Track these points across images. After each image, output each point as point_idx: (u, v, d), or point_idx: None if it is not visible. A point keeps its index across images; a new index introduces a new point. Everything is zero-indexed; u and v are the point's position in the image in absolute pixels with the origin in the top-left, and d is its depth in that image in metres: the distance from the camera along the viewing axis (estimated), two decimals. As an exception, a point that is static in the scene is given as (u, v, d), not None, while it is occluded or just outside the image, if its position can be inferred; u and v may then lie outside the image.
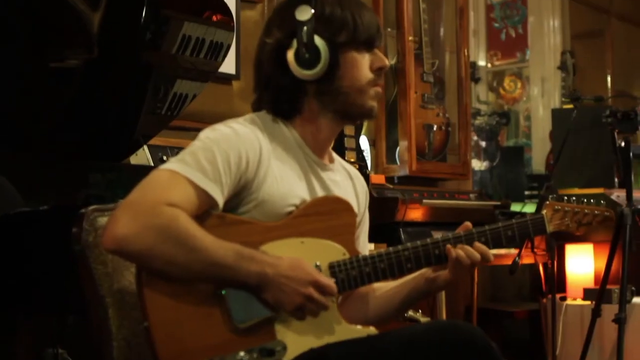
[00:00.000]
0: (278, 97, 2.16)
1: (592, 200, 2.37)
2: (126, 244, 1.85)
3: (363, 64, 2.14)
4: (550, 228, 2.30)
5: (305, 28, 2.08)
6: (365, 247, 2.33)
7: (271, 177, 2.07)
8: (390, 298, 2.30)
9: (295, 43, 2.09)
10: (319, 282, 1.98)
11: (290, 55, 2.10)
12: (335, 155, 2.31)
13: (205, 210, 1.96)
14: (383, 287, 2.33)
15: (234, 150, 2.00)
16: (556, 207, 2.32)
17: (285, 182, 2.09)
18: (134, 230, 1.85)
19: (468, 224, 2.22)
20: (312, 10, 2.09)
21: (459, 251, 2.15)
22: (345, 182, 2.30)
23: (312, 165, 2.18)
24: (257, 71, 2.20)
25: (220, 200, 1.97)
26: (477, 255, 2.16)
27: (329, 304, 2.01)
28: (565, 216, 2.32)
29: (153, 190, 1.91)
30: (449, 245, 2.16)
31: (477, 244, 2.18)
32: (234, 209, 2.04)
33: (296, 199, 2.10)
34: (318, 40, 2.09)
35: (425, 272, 2.24)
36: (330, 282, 2.01)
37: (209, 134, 2.03)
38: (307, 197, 2.13)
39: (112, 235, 1.85)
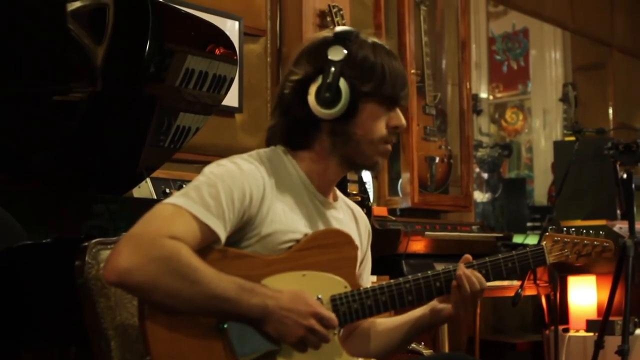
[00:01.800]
0: (292, 127, 2.17)
1: (591, 231, 2.38)
2: (128, 276, 1.85)
3: (380, 119, 2.15)
4: (550, 259, 2.31)
5: (333, 68, 2.10)
6: (368, 285, 2.33)
7: (274, 213, 2.07)
8: (393, 332, 2.30)
9: (320, 79, 2.11)
10: (320, 314, 1.98)
11: (312, 89, 2.11)
12: (339, 193, 2.32)
13: (207, 245, 1.97)
14: (385, 322, 2.33)
15: (237, 186, 2.00)
16: (556, 238, 2.33)
17: (288, 218, 2.10)
18: (136, 263, 1.85)
19: (468, 256, 2.23)
20: (345, 52, 2.11)
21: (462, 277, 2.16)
22: (348, 220, 2.31)
23: (315, 203, 2.18)
24: (279, 96, 2.21)
25: (223, 235, 1.97)
26: (475, 283, 2.16)
27: (330, 336, 2.01)
28: (564, 247, 2.33)
29: (156, 223, 1.91)
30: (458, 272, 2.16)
31: (472, 270, 2.18)
32: (236, 244, 2.04)
33: (298, 235, 2.10)
34: (342, 83, 2.10)
35: (431, 303, 2.25)
36: (331, 314, 2.01)
37: (214, 170, 2.04)
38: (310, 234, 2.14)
39: (114, 267, 1.86)
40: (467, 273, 2.16)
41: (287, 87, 2.17)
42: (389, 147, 2.19)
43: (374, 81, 2.12)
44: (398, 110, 2.19)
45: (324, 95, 2.10)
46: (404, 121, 2.19)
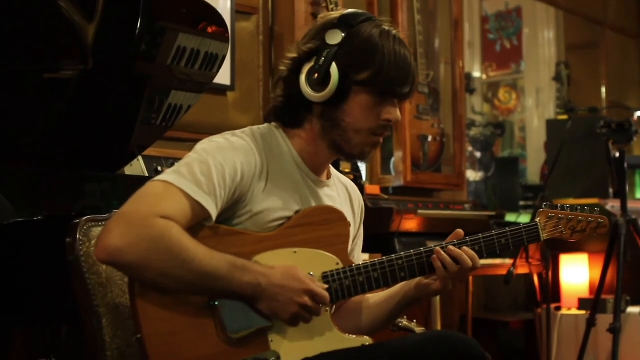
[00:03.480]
0: (285, 104, 2.16)
1: (586, 208, 2.36)
2: (119, 255, 1.85)
3: (371, 110, 2.11)
4: (544, 235, 2.28)
5: (327, 51, 2.08)
6: (359, 261, 2.33)
7: (266, 190, 2.07)
8: (382, 306, 2.30)
9: (313, 61, 2.10)
10: (313, 290, 1.98)
11: (305, 70, 2.11)
12: (332, 170, 2.30)
13: (198, 223, 1.96)
14: (375, 296, 2.33)
15: (229, 163, 2.00)
16: (550, 214, 2.30)
17: (280, 196, 2.09)
18: (126, 242, 1.85)
19: (460, 231, 2.21)
20: (343, 36, 2.08)
21: (445, 256, 2.13)
22: (343, 196, 2.30)
23: (307, 181, 2.18)
24: (279, 72, 2.20)
25: (214, 212, 1.96)
26: (468, 260, 2.14)
27: (322, 312, 2.01)
28: (559, 223, 2.31)
29: (147, 201, 1.91)
30: (434, 254, 2.14)
31: (465, 248, 2.16)
32: (227, 221, 2.04)
33: (290, 212, 2.10)
34: (333, 68, 2.08)
35: (417, 278, 2.22)
36: (323, 290, 2.01)
37: (206, 146, 2.03)
38: None
39: (104, 246, 1.85)
40: (459, 252, 2.15)
41: (283, 64, 2.17)
42: (379, 139, 2.16)
43: (371, 70, 2.09)
44: (395, 103, 2.14)
45: (312, 77, 2.09)
46: (397, 116, 2.15)
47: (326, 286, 2.04)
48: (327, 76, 2.07)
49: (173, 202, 1.91)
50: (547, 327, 5.13)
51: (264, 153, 2.09)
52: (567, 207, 2.33)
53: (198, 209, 1.94)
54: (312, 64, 2.10)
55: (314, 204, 2.17)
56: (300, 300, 1.96)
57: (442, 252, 2.14)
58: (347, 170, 4.02)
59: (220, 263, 1.91)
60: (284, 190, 2.11)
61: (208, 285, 1.91)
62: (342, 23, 2.11)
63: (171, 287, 1.90)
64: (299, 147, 2.16)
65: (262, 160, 2.07)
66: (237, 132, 2.12)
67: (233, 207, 2.03)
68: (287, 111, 2.16)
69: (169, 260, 1.87)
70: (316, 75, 2.08)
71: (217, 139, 2.07)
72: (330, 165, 2.28)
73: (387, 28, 2.14)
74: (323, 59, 2.08)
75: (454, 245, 2.17)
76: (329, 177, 2.27)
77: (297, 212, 2.11)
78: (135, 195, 1.92)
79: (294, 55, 2.14)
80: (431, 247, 2.16)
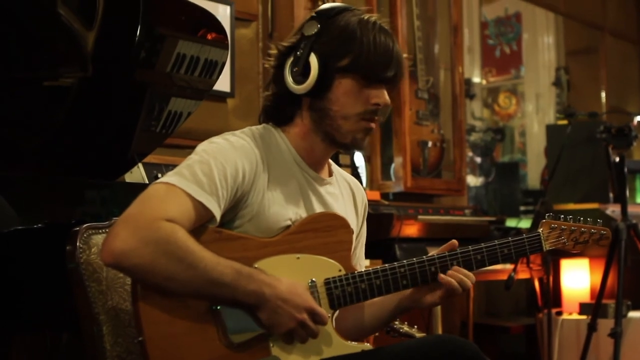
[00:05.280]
0: (273, 101, 2.18)
1: (588, 219, 2.35)
2: (125, 258, 1.85)
3: (357, 95, 2.11)
4: (546, 246, 2.27)
5: (304, 43, 2.10)
6: (362, 259, 2.33)
7: (267, 190, 2.07)
8: (381, 307, 2.29)
9: (293, 55, 2.12)
10: (314, 309, 1.98)
11: (287, 64, 2.13)
12: (334, 167, 2.30)
13: (202, 224, 1.96)
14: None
15: (230, 163, 2.00)
16: (552, 225, 2.29)
17: (281, 195, 2.10)
18: (132, 245, 1.85)
19: (454, 242, 2.21)
20: (318, 27, 2.10)
21: (451, 279, 2.14)
22: (345, 194, 2.30)
23: (308, 180, 2.18)
24: (267, 69, 2.23)
25: (218, 213, 1.97)
26: (468, 282, 2.15)
27: (318, 333, 2.01)
28: (561, 235, 2.30)
29: (151, 204, 1.91)
30: (441, 275, 2.14)
31: (456, 268, 2.16)
32: (229, 223, 2.05)
33: (291, 213, 2.10)
34: (312, 58, 2.09)
35: (411, 291, 2.21)
36: (323, 311, 2.01)
37: (206, 147, 2.04)
38: (303, 212, 2.13)
39: (110, 249, 1.86)
40: (453, 277, 2.15)
41: (268, 62, 2.20)
42: (371, 124, 2.15)
43: (350, 56, 2.09)
44: (382, 87, 2.14)
45: (294, 70, 2.11)
46: (385, 99, 2.14)
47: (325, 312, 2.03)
48: (307, 67, 2.09)
49: (177, 204, 1.91)
50: (548, 332, 5.12)
51: (264, 152, 2.10)
52: (570, 218, 2.32)
53: (201, 209, 1.94)
54: (292, 57, 2.12)
55: (316, 203, 2.17)
56: (299, 317, 1.96)
57: (446, 277, 2.14)
58: (347, 176, 4.01)
59: (225, 269, 1.91)
60: (285, 189, 2.11)
61: (212, 290, 1.91)
62: (319, 15, 2.13)
63: (176, 290, 1.90)
64: (296, 144, 2.17)
65: (262, 159, 2.08)
66: (237, 132, 2.12)
67: (235, 207, 2.04)
68: (277, 109, 2.18)
69: (175, 263, 1.87)
70: (295, 67, 2.10)
71: (217, 139, 2.07)
72: (332, 162, 2.28)
73: (366, 17, 2.15)
74: (301, 50, 2.10)
75: (457, 255, 2.17)
76: (330, 174, 2.27)
77: (298, 214, 2.11)
78: (138, 198, 1.92)
79: (274, 52, 2.17)
80: (433, 255, 2.17)
